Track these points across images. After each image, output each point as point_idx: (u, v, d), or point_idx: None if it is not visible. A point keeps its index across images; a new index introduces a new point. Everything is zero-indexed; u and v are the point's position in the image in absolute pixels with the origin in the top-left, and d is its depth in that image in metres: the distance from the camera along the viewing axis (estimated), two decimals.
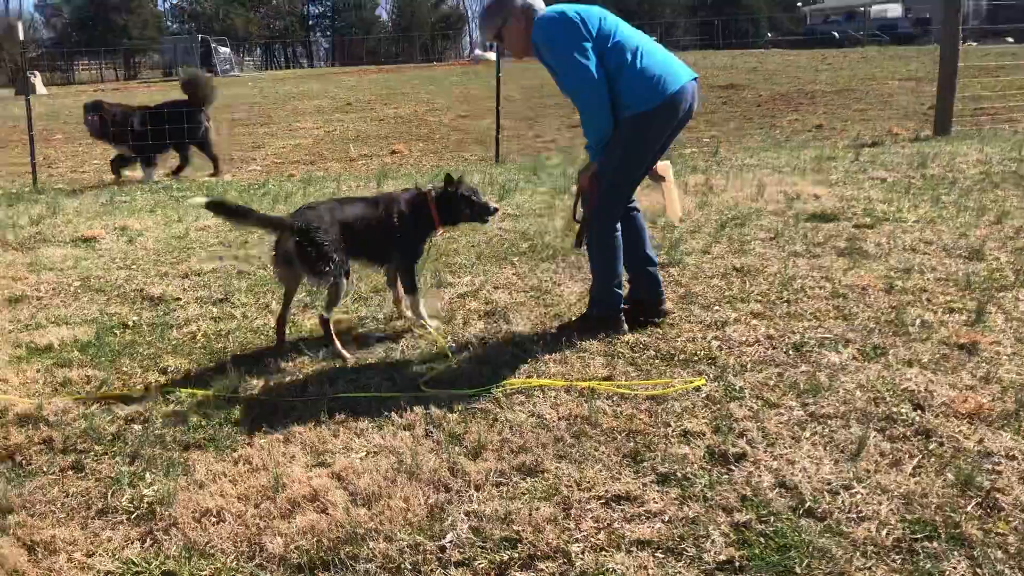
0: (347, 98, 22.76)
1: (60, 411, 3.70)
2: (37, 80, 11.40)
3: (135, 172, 10.58)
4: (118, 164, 10.57)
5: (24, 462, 3.31)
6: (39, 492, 3.09)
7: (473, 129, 14.75)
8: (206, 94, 10.74)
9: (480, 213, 4.55)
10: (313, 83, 30.16)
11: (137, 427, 3.56)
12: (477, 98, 19.61)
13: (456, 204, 4.49)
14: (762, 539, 2.62)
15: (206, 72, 46.03)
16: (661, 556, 2.57)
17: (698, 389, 3.66)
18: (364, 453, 3.25)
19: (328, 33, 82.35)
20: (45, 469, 3.26)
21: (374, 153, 12.50)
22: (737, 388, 3.65)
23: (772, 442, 3.19)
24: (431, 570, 2.55)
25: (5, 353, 4.44)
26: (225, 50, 51.23)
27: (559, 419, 3.46)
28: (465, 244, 6.24)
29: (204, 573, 2.59)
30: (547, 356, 4.10)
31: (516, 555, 2.59)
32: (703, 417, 3.41)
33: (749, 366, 3.88)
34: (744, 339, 4.19)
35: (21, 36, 12.46)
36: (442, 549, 2.64)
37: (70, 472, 3.23)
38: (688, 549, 2.59)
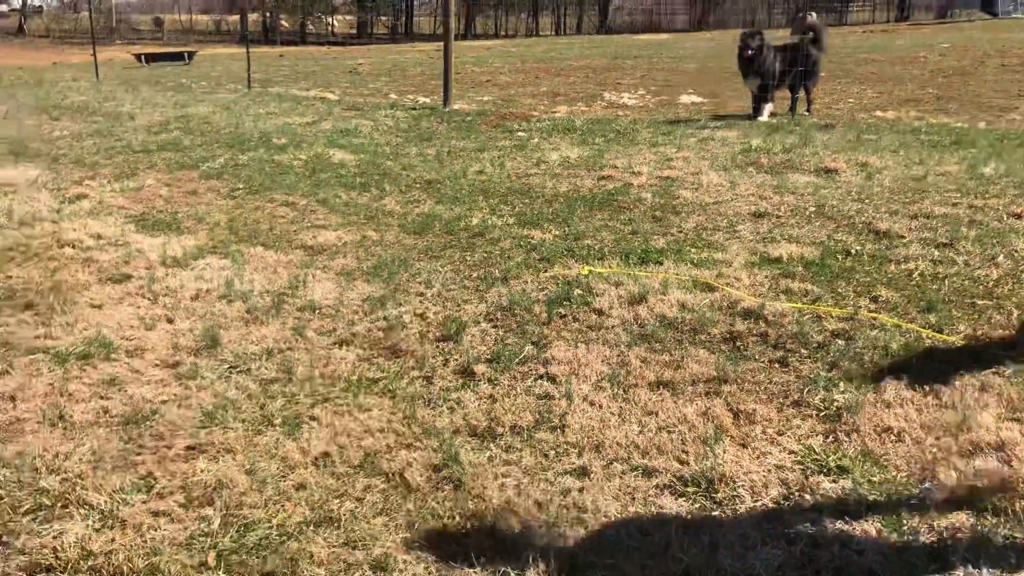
0: None
1: (778, 313, 4.19)
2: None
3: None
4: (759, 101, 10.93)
5: (742, 347, 3.89)
6: (748, 373, 3.62)
7: None
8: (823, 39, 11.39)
9: None
10: None
11: (840, 342, 3.86)
12: None
13: None
14: None
15: (987, 14, 43.21)
16: None
17: None
18: None
19: None
20: (756, 357, 3.78)
21: None
22: None
23: None
24: None
25: (742, 257, 5.13)
26: None
27: None
28: None
29: (875, 478, 2.80)
30: None
31: None
32: None
33: None
34: None
35: None
36: None
37: (776, 365, 3.70)
38: None
